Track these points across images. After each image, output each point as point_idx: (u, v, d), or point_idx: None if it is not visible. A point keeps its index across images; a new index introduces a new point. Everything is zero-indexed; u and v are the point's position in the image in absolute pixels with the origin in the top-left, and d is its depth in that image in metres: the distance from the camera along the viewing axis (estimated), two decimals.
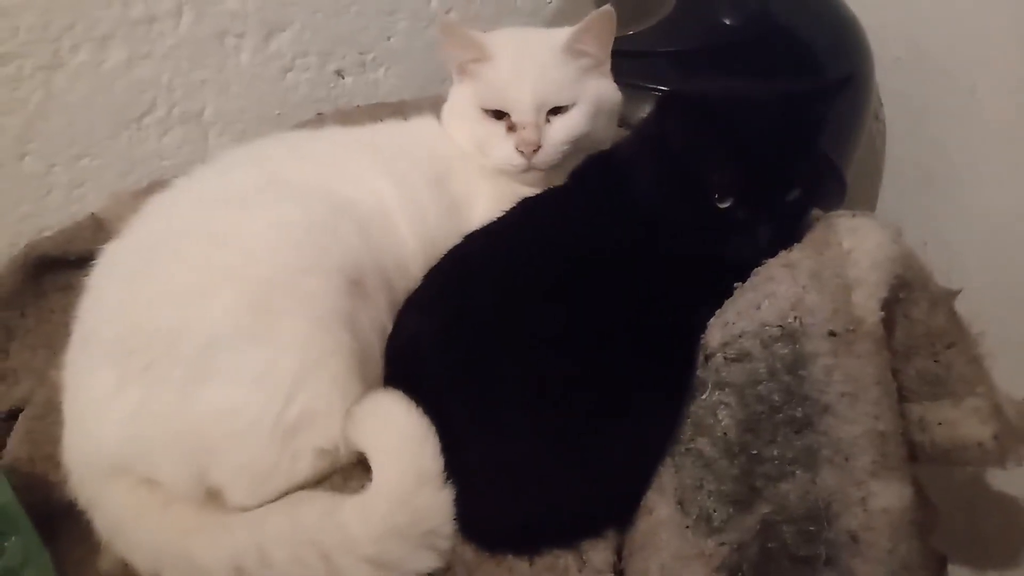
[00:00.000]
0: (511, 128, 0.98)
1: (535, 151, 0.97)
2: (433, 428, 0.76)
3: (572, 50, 0.98)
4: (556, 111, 0.98)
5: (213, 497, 0.78)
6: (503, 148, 0.98)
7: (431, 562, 0.72)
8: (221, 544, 0.73)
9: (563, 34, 0.99)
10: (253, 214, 0.85)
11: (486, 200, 0.99)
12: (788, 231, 0.82)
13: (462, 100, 1.03)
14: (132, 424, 0.77)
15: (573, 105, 0.98)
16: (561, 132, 0.97)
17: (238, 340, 0.77)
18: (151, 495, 0.77)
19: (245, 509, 0.77)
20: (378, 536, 0.71)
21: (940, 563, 0.88)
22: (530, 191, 0.97)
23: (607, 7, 0.96)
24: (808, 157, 0.83)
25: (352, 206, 0.90)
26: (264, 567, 0.71)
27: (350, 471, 0.82)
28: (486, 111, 1.00)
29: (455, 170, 1.02)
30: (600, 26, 0.98)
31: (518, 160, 0.98)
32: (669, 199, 0.84)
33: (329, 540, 0.71)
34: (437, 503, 0.73)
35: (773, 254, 0.80)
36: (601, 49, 1.00)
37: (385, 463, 0.75)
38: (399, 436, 0.75)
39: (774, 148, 0.80)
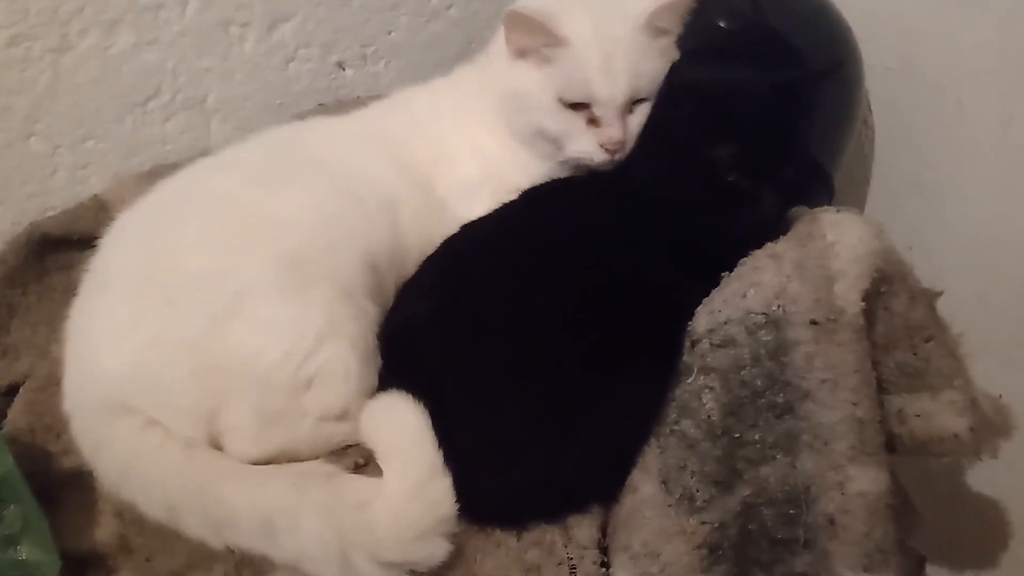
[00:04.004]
0: (592, 121, 0.90)
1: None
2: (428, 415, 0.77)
3: (652, 28, 0.89)
4: (637, 100, 0.90)
5: (212, 441, 0.80)
6: (583, 142, 0.90)
7: (444, 551, 0.73)
8: (258, 494, 0.74)
9: (642, 9, 0.88)
10: (290, 187, 0.88)
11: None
12: (787, 204, 0.85)
13: (532, 90, 0.92)
14: (146, 356, 0.78)
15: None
16: (639, 125, 0.90)
17: (269, 293, 0.80)
18: (167, 436, 0.77)
19: (242, 459, 0.79)
20: (404, 540, 0.72)
21: (919, 563, 0.90)
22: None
23: None
24: (801, 136, 0.85)
25: (374, 191, 0.92)
26: (292, 532, 0.72)
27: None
28: (563, 103, 0.90)
29: None
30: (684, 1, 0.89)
31: (601, 157, 0.90)
32: (674, 178, 0.86)
33: (353, 535, 0.72)
34: (445, 490, 0.74)
35: (775, 225, 0.82)
36: (680, 26, 0.91)
37: (400, 465, 0.76)
38: (412, 437, 0.76)
39: (771, 126, 0.82)
